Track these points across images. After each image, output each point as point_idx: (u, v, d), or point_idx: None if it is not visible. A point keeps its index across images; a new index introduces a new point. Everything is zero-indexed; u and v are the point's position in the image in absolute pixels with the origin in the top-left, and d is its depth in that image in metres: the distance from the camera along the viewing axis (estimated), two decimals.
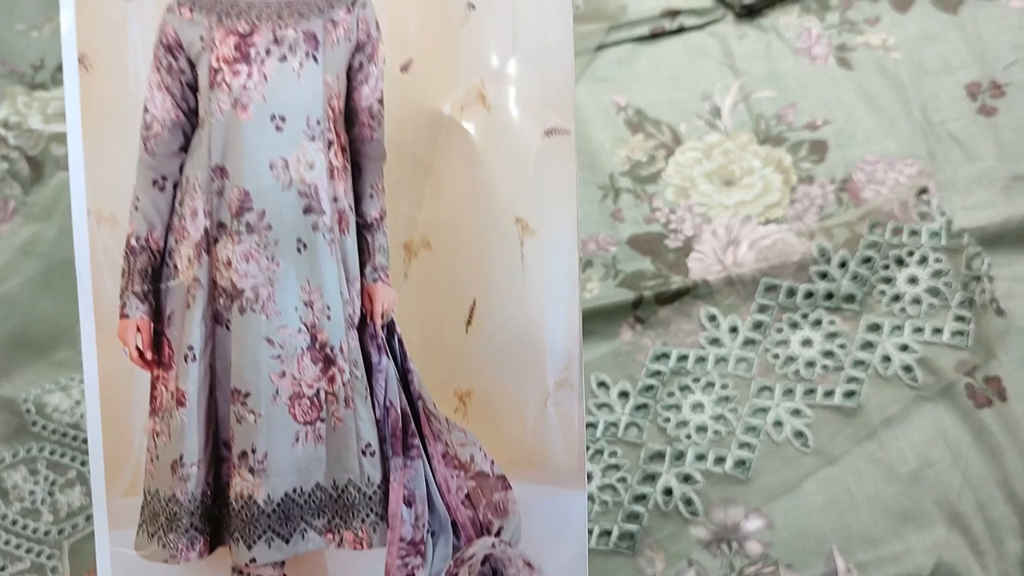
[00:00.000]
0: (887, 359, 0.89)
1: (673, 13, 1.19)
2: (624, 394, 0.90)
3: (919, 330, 0.91)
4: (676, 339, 0.93)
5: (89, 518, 0.85)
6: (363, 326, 0.52)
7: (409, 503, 0.52)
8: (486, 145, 0.51)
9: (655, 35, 1.18)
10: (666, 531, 0.82)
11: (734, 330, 0.93)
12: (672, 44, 1.17)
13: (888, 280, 0.94)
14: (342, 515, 0.54)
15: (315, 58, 0.54)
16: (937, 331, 0.90)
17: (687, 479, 0.85)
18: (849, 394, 0.88)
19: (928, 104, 1.08)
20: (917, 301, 0.92)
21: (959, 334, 0.90)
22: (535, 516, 0.51)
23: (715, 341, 0.93)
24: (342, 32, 0.54)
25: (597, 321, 0.94)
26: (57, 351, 0.95)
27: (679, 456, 0.86)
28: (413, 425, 0.51)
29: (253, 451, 0.53)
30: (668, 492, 0.84)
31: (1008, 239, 0.95)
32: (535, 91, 0.52)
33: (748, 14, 1.18)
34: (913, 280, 0.94)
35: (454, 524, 0.52)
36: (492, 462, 0.52)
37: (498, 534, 0.52)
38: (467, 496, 0.52)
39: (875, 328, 0.92)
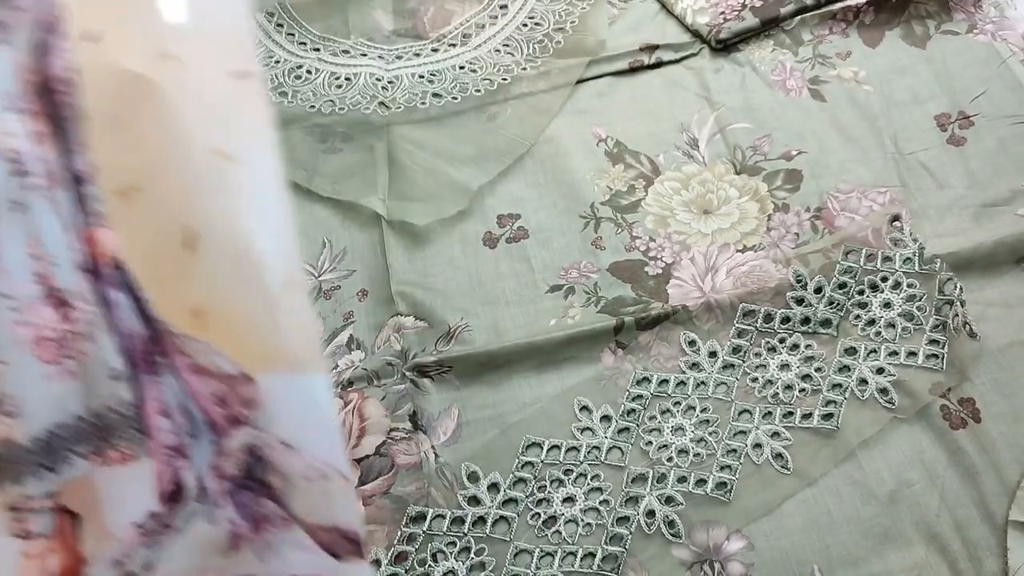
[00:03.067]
0: (864, 382, 0.91)
1: (651, 48, 1.22)
2: (606, 418, 0.91)
3: (894, 353, 0.92)
4: (657, 364, 0.95)
5: None
6: (96, 269, 0.55)
7: (166, 414, 0.55)
8: (178, 94, 0.55)
9: (633, 69, 1.21)
10: (649, 553, 0.83)
11: (713, 355, 0.95)
12: (650, 78, 1.20)
13: (863, 305, 0.96)
14: (105, 437, 0.57)
15: (6, 41, 0.57)
16: (912, 354, 0.92)
17: (669, 501, 0.86)
18: (827, 416, 0.89)
19: (899, 134, 1.11)
20: (892, 325, 0.94)
21: (933, 356, 0.92)
22: (285, 402, 0.54)
23: (695, 365, 0.94)
24: (26, 15, 0.58)
25: (579, 347, 0.95)
26: None
27: (661, 478, 0.87)
28: (156, 346, 0.55)
29: (6, 396, 0.55)
30: (651, 514, 0.85)
31: (979, 264, 0.98)
32: (218, 40, 0.57)
33: (723, 49, 1.22)
34: (888, 305, 0.96)
35: (212, 424, 0.55)
36: (234, 363, 0.55)
37: (253, 424, 0.55)
38: (218, 397, 0.55)
39: (851, 352, 0.93)
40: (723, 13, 1.23)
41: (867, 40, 1.21)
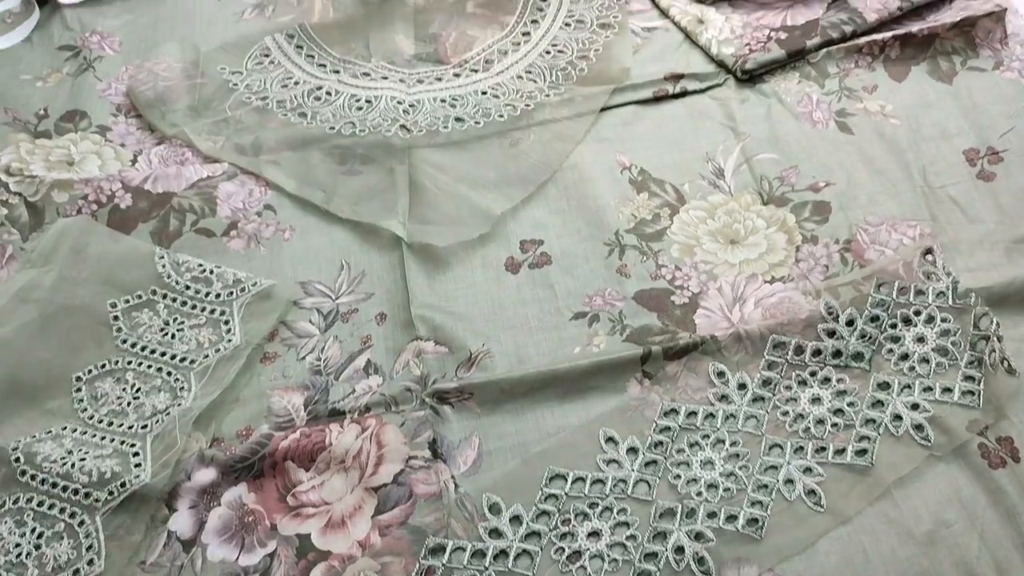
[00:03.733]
0: (898, 418, 0.88)
1: (676, 77, 1.21)
2: (633, 450, 0.88)
3: (929, 389, 0.90)
4: (685, 395, 0.92)
5: (77, 572, 0.81)
6: None
7: None
8: None
9: (658, 98, 1.20)
10: None
11: (743, 387, 0.92)
12: (675, 107, 1.19)
13: (896, 339, 0.94)
14: None
15: None
16: (947, 390, 0.90)
17: (699, 537, 0.82)
18: (861, 452, 0.86)
19: (928, 168, 1.09)
20: (926, 360, 0.92)
21: (969, 393, 0.89)
22: None
23: (724, 397, 0.91)
24: None
25: (605, 376, 0.93)
26: (49, 399, 0.92)
27: (690, 513, 0.84)
28: None
29: None
30: (680, 550, 0.81)
31: (1013, 300, 0.96)
32: None
33: (749, 79, 1.21)
34: (921, 339, 0.93)
35: None
36: None
37: None
38: None
39: (885, 387, 0.91)
40: (748, 44, 1.22)
41: (893, 74, 1.20)
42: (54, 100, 1.22)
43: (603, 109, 1.18)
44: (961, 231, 1.03)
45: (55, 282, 0.99)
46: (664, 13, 1.31)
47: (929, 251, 0.99)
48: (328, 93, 1.21)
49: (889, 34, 1.21)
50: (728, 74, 1.22)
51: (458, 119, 1.16)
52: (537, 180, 1.10)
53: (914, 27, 1.21)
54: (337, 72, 1.24)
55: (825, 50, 1.21)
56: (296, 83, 1.22)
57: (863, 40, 1.22)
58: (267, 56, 1.26)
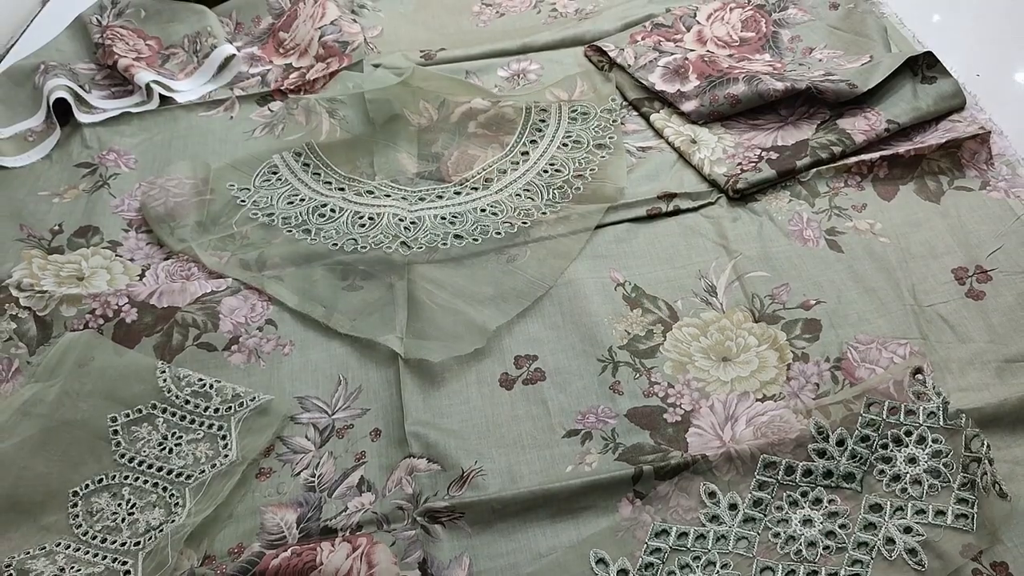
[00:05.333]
0: (891, 541, 0.88)
1: (669, 196, 1.24)
2: (623, 572, 0.88)
3: (922, 512, 0.90)
4: (676, 515, 0.92)
5: None
6: None
7: None
8: None
9: (651, 216, 1.23)
10: None
11: (734, 507, 0.92)
12: (668, 225, 1.22)
13: (887, 460, 0.94)
14: None
15: None
16: (940, 513, 0.89)
17: None
18: None
19: (917, 287, 1.11)
20: (918, 482, 0.92)
21: (963, 516, 0.89)
22: None
23: (715, 518, 0.91)
24: None
25: (596, 495, 0.93)
26: (45, 514, 0.93)
27: None
28: None
29: None
30: None
31: (1005, 421, 0.96)
32: None
33: (741, 198, 1.24)
34: (912, 460, 0.93)
35: None
36: None
37: None
38: None
39: (877, 509, 0.90)
40: (740, 164, 1.26)
41: (882, 193, 1.23)
42: (69, 216, 1.26)
43: (598, 227, 1.21)
44: (951, 350, 1.04)
45: (58, 396, 1.01)
46: (659, 133, 1.35)
47: (919, 370, 1.00)
48: (332, 210, 1.25)
49: (877, 154, 1.25)
50: (720, 193, 1.25)
51: (457, 236, 1.20)
52: (532, 295, 1.12)
53: (901, 148, 1.25)
54: (342, 189, 1.28)
55: (815, 170, 1.25)
56: (302, 200, 1.27)
57: (852, 160, 1.25)
58: (275, 173, 1.31)
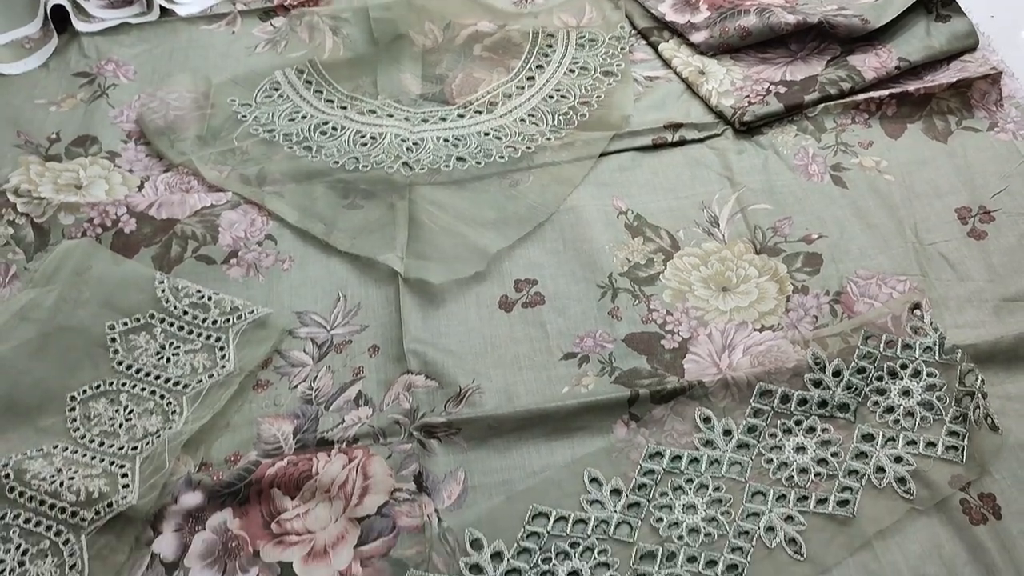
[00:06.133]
0: (881, 470, 0.89)
1: (675, 126, 1.23)
2: (616, 491, 0.89)
3: (913, 442, 0.90)
4: (670, 439, 0.92)
5: None
6: None
7: None
8: None
9: (657, 146, 1.22)
10: None
11: (728, 433, 0.93)
12: (673, 155, 1.21)
13: (882, 392, 0.95)
14: None
15: None
16: (931, 444, 0.90)
17: None
18: (843, 503, 0.87)
19: (920, 225, 1.11)
20: (911, 414, 0.93)
21: (953, 448, 0.90)
22: None
23: (709, 443, 0.92)
24: None
25: (592, 416, 0.93)
26: (43, 417, 0.93)
27: (671, 557, 0.84)
28: None
29: None
30: None
31: (1000, 359, 0.97)
32: None
33: (747, 131, 1.23)
34: (907, 393, 0.94)
35: None
36: None
37: None
38: None
39: (869, 438, 0.91)
40: (748, 97, 1.25)
41: (889, 131, 1.22)
42: (66, 125, 1.25)
43: (602, 155, 1.20)
44: (950, 288, 1.04)
45: (56, 302, 1.00)
46: (667, 63, 1.33)
47: (917, 306, 1.00)
48: (334, 128, 1.23)
49: (886, 92, 1.23)
50: (727, 125, 1.24)
51: (460, 158, 1.18)
52: (534, 221, 1.12)
53: (911, 86, 1.24)
54: (344, 108, 1.26)
55: (823, 105, 1.23)
56: (303, 117, 1.25)
57: (860, 97, 1.24)
58: (276, 90, 1.29)
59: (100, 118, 1.25)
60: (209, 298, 1.03)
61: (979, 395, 0.91)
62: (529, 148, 1.20)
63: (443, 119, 1.25)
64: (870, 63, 1.26)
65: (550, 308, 1.04)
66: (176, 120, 1.23)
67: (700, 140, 1.22)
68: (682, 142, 1.22)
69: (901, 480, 0.88)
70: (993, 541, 0.84)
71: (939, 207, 1.13)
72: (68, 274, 1.03)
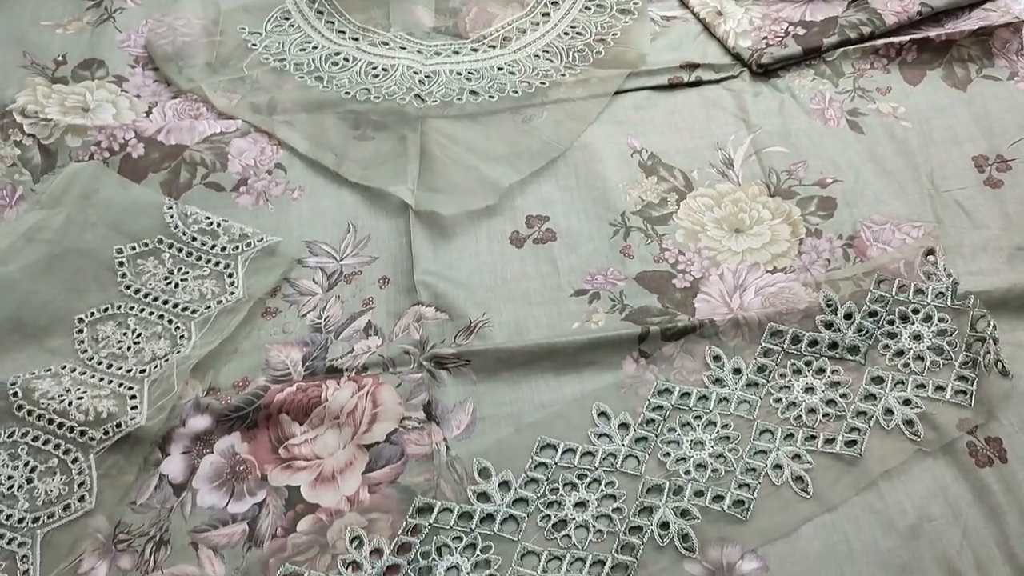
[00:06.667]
0: (889, 412, 0.89)
1: (691, 66, 1.21)
2: (624, 426, 0.89)
3: (922, 386, 0.90)
4: (680, 376, 0.92)
5: (67, 507, 0.82)
6: None
7: None
8: None
9: (673, 85, 1.20)
10: (660, 565, 0.80)
11: (738, 371, 0.93)
12: (689, 95, 1.20)
13: (892, 335, 0.94)
14: None
15: None
16: (940, 388, 0.90)
17: (684, 514, 0.83)
18: (850, 443, 0.87)
19: (936, 172, 1.10)
20: (921, 358, 0.92)
21: (962, 393, 0.90)
22: None
23: (718, 381, 0.92)
24: None
25: (602, 352, 0.93)
26: (51, 338, 0.93)
27: (678, 491, 0.84)
28: None
29: None
30: (665, 526, 0.82)
31: (1012, 305, 0.96)
32: None
33: (764, 73, 1.21)
34: (917, 337, 0.94)
35: None
36: None
37: None
38: None
39: (878, 381, 0.91)
40: (765, 38, 1.23)
41: (908, 78, 1.20)
42: (73, 48, 1.22)
43: (617, 93, 1.19)
44: (965, 235, 1.03)
45: (63, 224, 0.99)
46: (684, 3, 1.31)
47: (931, 251, 1.00)
48: (345, 59, 1.21)
49: (907, 38, 1.22)
50: (743, 67, 1.22)
51: (473, 92, 1.17)
52: (547, 156, 1.10)
53: (932, 32, 1.22)
54: (356, 39, 1.24)
55: (841, 49, 1.22)
56: (314, 47, 1.23)
57: (880, 42, 1.22)
58: (287, 19, 1.27)
59: (107, 42, 1.23)
60: (218, 225, 1.02)
61: (990, 340, 0.91)
62: (543, 84, 1.18)
63: (456, 52, 1.23)
64: (892, 7, 1.24)
65: (562, 245, 1.03)
66: (184, 46, 1.21)
67: (716, 81, 1.21)
68: (698, 83, 1.21)
69: (909, 422, 0.88)
70: (998, 483, 0.84)
71: (956, 155, 1.12)
72: (75, 197, 1.02)
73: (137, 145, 1.09)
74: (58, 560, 0.80)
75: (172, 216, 1.02)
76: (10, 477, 0.84)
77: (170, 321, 0.95)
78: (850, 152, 1.12)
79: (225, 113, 1.14)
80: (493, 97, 1.16)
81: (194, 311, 0.96)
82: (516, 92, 1.17)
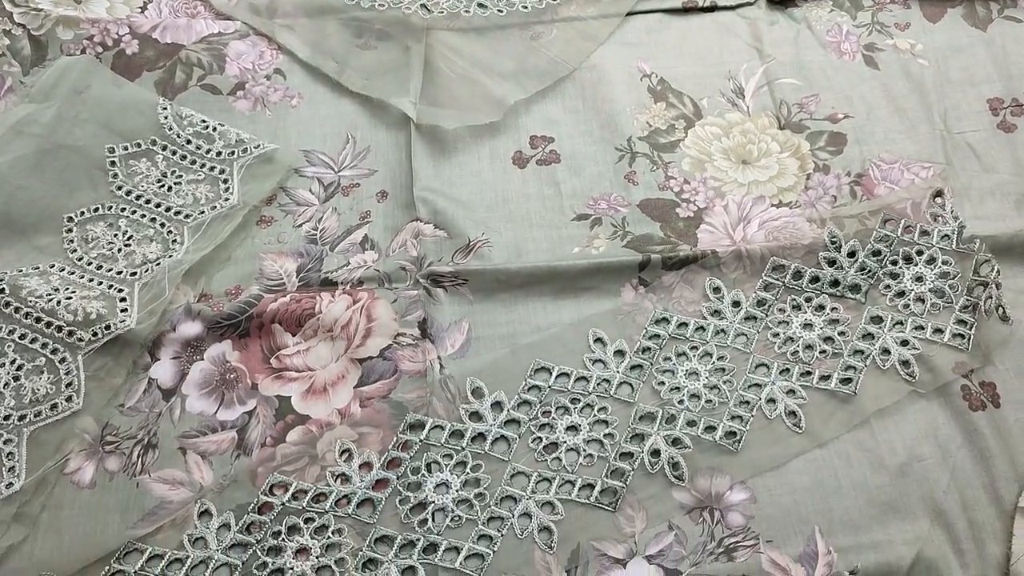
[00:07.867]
0: (886, 352, 0.88)
1: None
2: (620, 352, 0.88)
3: (920, 328, 0.90)
4: (678, 306, 0.91)
5: (54, 407, 0.81)
6: None
7: None
8: None
9: (687, 9, 1.17)
10: (649, 492, 0.80)
11: (737, 304, 0.92)
12: (702, 20, 1.16)
13: (895, 276, 0.93)
14: None
15: None
16: (938, 331, 0.90)
17: (676, 443, 0.83)
18: (846, 381, 0.87)
19: (949, 112, 1.07)
20: (921, 300, 0.92)
21: (959, 336, 0.89)
22: None
23: (717, 312, 0.91)
24: None
25: (601, 278, 0.92)
26: (39, 236, 0.91)
27: (670, 420, 0.84)
28: None
29: None
30: (656, 454, 0.82)
31: (1017, 251, 0.95)
32: None
33: (781, 2, 1.18)
34: (919, 279, 0.93)
35: None
36: None
37: None
38: None
39: (877, 320, 0.91)
40: None
41: (928, 15, 1.17)
42: None
43: (629, 13, 1.15)
44: (974, 179, 1.02)
45: (53, 119, 0.96)
46: None
47: (939, 193, 0.98)
48: None
49: None
50: None
51: (481, 4, 1.13)
52: (555, 75, 1.07)
53: None
54: None
55: None
56: None
57: None
58: None
59: None
60: (214, 128, 0.99)
61: (993, 285, 0.90)
62: (554, 0, 1.14)
63: None
64: None
65: (565, 167, 1.01)
66: None
67: (732, 7, 1.17)
68: (713, 8, 1.17)
69: (905, 363, 0.88)
70: (989, 427, 0.84)
71: (971, 96, 1.09)
72: (66, 91, 0.99)
73: (131, 42, 1.05)
74: (45, 459, 0.79)
75: (167, 117, 0.99)
76: None
77: (162, 224, 0.93)
78: (864, 88, 1.09)
79: (223, 13, 1.10)
80: (502, 11, 1.13)
81: (187, 215, 0.94)
82: (526, 7, 1.13)
